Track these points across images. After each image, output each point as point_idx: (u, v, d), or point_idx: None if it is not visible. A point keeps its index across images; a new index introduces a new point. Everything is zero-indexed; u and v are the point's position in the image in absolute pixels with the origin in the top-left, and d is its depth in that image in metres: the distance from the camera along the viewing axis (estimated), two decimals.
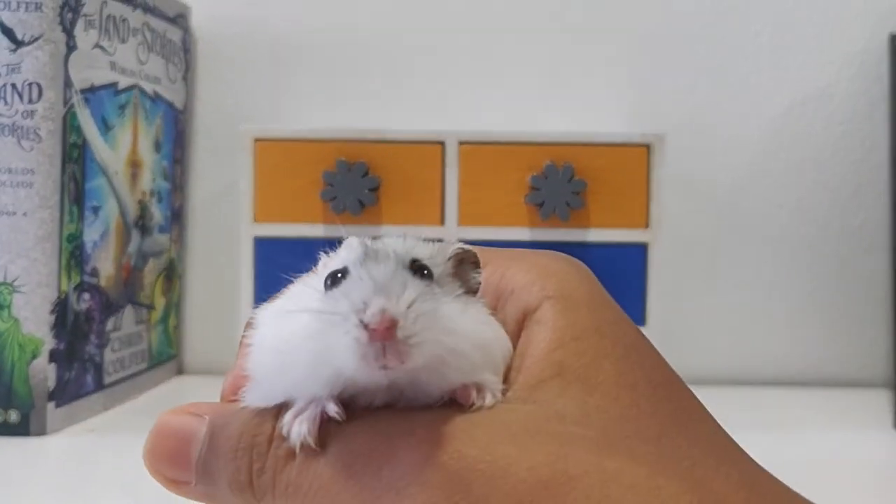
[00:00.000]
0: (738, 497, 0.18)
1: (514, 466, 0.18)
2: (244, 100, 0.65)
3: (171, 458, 0.22)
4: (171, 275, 0.63)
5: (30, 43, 0.47)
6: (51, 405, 0.48)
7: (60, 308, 0.48)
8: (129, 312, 0.57)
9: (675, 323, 0.61)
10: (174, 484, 0.22)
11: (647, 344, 0.22)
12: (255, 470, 0.20)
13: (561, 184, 0.49)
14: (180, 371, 0.66)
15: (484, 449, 0.18)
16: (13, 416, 0.47)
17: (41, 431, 0.48)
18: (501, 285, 0.22)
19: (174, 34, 0.61)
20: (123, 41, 0.54)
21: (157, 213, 0.60)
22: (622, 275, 0.50)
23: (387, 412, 0.20)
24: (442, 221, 0.50)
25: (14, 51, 0.46)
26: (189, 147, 0.66)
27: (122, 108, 0.54)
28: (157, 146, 0.60)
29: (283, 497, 0.20)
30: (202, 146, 0.66)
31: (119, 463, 0.44)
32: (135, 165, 0.56)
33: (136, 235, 0.57)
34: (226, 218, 0.66)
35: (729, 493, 0.18)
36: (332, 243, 0.49)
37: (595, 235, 0.50)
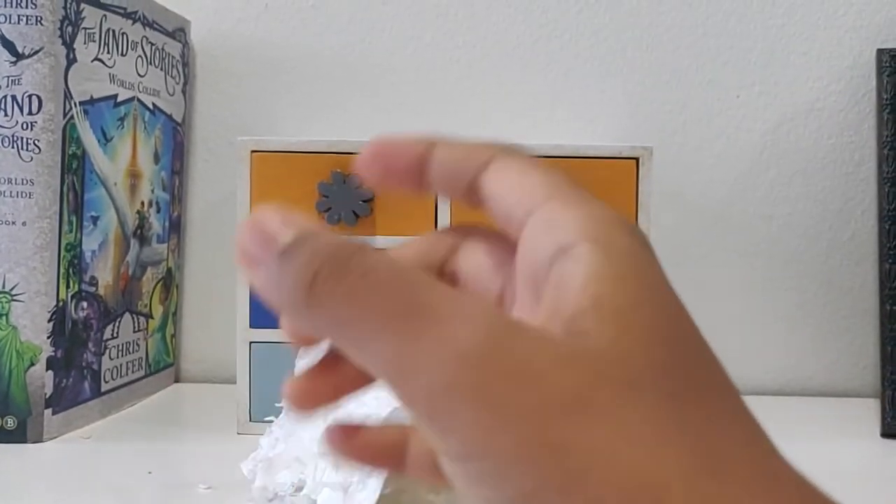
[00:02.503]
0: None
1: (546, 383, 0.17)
2: (241, 112, 0.66)
3: (262, 231, 0.21)
4: (169, 284, 0.64)
5: (30, 56, 0.48)
6: (48, 412, 0.49)
7: (58, 316, 0.49)
8: (126, 321, 0.57)
9: None
10: (250, 261, 0.20)
11: (686, 316, 0.21)
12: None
13: None
14: (177, 379, 0.66)
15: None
16: (10, 422, 0.48)
17: (38, 438, 0.48)
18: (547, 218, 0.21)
19: (173, 48, 0.62)
20: (123, 54, 0.55)
21: (156, 224, 0.61)
22: None
23: None
24: None
25: (14, 63, 0.47)
26: (187, 158, 0.66)
27: (122, 119, 0.55)
28: (156, 157, 0.61)
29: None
30: (200, 158, 0.67)
31: (115, 470, 0.44)
32: (134, 176, 0.57)
33: (134, 245, 0.58)
34: (223, 228, 0.66)
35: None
36: None
37: None
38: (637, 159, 0.51)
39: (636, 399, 0.18)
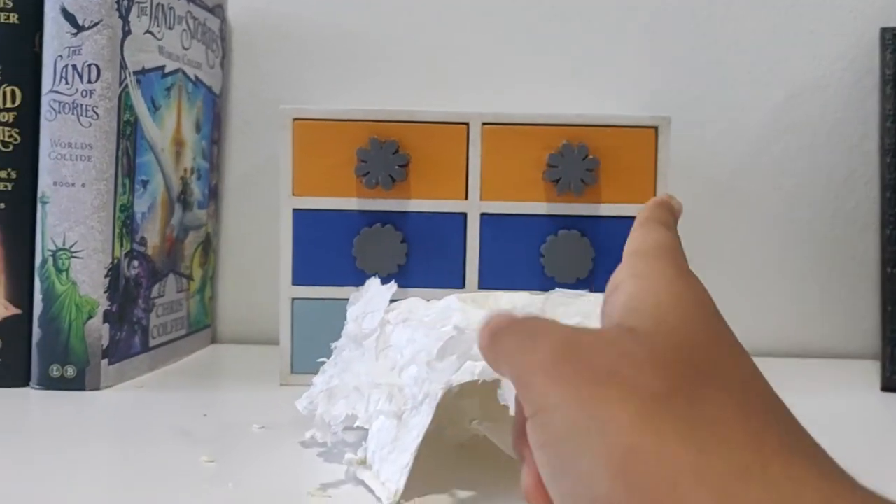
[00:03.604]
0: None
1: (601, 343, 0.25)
2: (274, 85, 0.70)
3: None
4: (208, 248, 0.67)
5: (90, 28, 0.51)
6: (104, 362, 0.52)
7: (114, 273, 0.53)
8: (171, 281, 0.61)
9: None
10: None
11: (709, 314, 0.28)
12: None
13: (576, 161, 0.53)
14: (214, 340, 0.70)
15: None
16: (70, 371, 0.52)
17: (95, 386, 0.52)
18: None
19: (213, 23, 0.65)
20: (170, 27, 0.58)
21: (197, 190, 0.64)
22: None
23: None
24: (465, 195, 0.54)
25: (75, 35, 0.51)
26: (224, 129, 0.70)
27: (169, 90, 0.58)
28: (198, 127, 0.64)
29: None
30: (236, 129, 0.70)
31: (171, 414, 0.48)
32: (178, 144, 0.61)
33: (178, 209, 0.61)
34: (257, 196, 0.70)
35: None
36: (365, 216, 0.54)
37: (606, 210, 0.54)
38: (656, 128, 0.54)
39: (650, 371, 0.23)
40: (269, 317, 0.69)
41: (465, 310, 0.37)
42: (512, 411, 0.32)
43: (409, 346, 0.37)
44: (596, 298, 0.38)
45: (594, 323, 0.35)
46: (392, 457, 0.35)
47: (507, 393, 0.32)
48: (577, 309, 0.36)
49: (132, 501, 0.34)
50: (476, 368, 0.34)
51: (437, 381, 0.34)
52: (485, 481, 0.37)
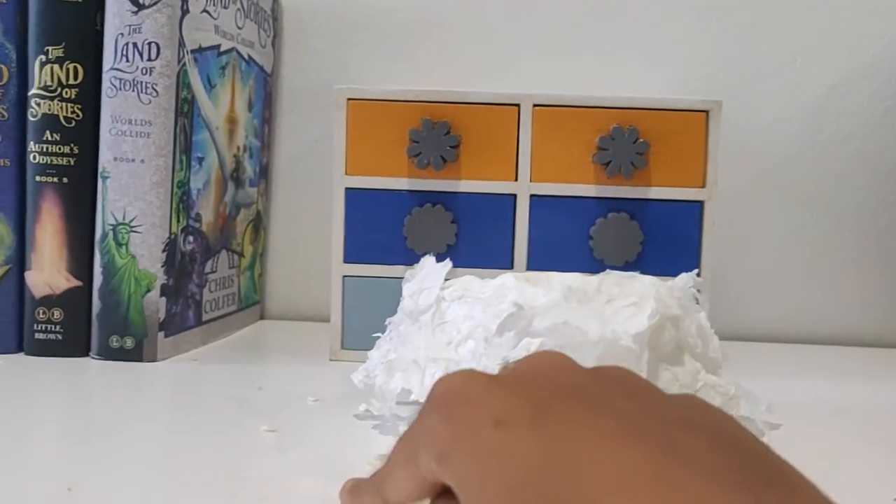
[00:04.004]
0: None
1: None
2: (323, 66, 0.70)
3: None
4: (258, 226, 0.69)
5: (150, 6, 0.52)
6: (161, 335, 0.54)
7: (170, 247, 0.54)
8: (223, 257, 0.62)
9: (725, 277, 0.66)
10: None
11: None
12: None
13: (626, 145, 0.53)
14: (262, 316, 0.71)
15: None
16: (129, 342, 0.53)
17: (153, 358, 0.53)
18: None
19: (265, 2, 0.66)
20: (225, 7, 0.59)
21: (249, 168, 0.65)
22: (679, 230, 0.54)
23: None
24: (515, 177, 0.54)
25: (136, 13, 0.52)
26: (275, 108, 0.71)
27: (223, 68, 0.59)
28: (250, 105, 0.65)
29: None
30: (286, 108, 0.71)
31: (227, 385, 0.49)
32: (232, 122, 0.62)
33: (231, 187, 0.62)
34: (307, 175, 0.71)
35: None
36: (416, 196, 0.55)
37: (656, 193, 0.54)
38: (707, 112, 0.54)
39: None
40: (316, 294, 0.70)
41: (521, 288, 0.38)
42: None
43: (466, 322, 0.38)
44: (650, 280, 0.39)
45: (648, 305, 0.36)
46: None
47: None
48: (631, 289, 0.37)
49: (198, 469, 0.35)
50: (532, 345, 0.34)
51: (493, 356, 0.35)
52: None
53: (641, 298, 0.36)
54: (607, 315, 0.34)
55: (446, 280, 0.41)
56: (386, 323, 0.43)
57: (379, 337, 0.43)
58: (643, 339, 0.33)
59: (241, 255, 0.65)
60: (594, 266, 0.53)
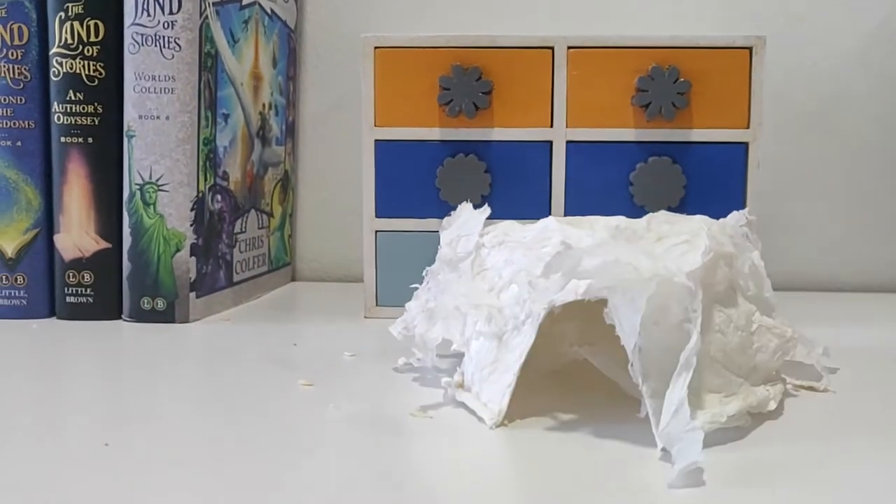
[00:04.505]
0: None
1: None
2: (348, 18, 0.68)
3: None
4: (287, 185, 0.67)
5: None
6: (192, 295, 0.53)
7: (199, 206, 0.53)
8: (252, 217, 0.61)
9: (769, 222, 0.64)
10: None
11: None
12: None
13: (666, 85, 0.51)
14: (293, 278, 0.70)
15: None
16: (160, 304, 0.52)
17: (185, 319, 0.52)
18: None
19: None
20: None
21: (275, 126, 0.64)
22: (724, 173, 0.52)
23: None
24: (551, 123, 0.52)
25: None
26: (299, 65, 0.69)
27: (246, 23, 0.58)
28: (274, 62, 0.63)
29: None
30: (310, 64, 0.69)
31: (262, 344, 0.48)
32: (256, 78, 0.60)
33: (257, 145, 0.61)
34: (334, 133, 0.69)
35: None
36: (448, 146, 0.53)
37: (698, 135, 0.52)
38: (750, 49, 0.52)
39: None
40: (348, 255, 0.69)
41: (565, 230, 0.36)
42: (618, 330, 0.32)
43: (508, 268, 0.36)
44: (701, 218, 0.37)
45: (701, 243, 0.34)
46: (493, 377, 0.35)
47: (616, 311, 0.31)
48: (682, 227, 0.35)
49: (237, 424, 0.34)
50: (580, 287, 0.33)
51: (539, 300, 0.34)
52: (585, 405, 0.36)
53: (694, 236, 0.34)
54: (658, 253, 0.33)
55: (485, 227, 0.40)
56: (423, 273, 0.42)
57: (417, 288, 0.42)
58: (697, 276, 0.32)
59: (270, 215, 0.64)
60: (635, 213, 0.51)
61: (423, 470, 0.30)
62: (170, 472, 0.29)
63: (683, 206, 0.52)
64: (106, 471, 0.29)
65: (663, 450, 0.30)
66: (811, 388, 0.39)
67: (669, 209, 0.52)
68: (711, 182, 0.52)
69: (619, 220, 0.37)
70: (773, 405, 0.35)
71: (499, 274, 0.37)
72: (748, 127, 0.52)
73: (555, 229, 0.37)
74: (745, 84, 0.52)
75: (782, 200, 0.67)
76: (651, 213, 0.37)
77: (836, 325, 0.53)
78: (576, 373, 0.40)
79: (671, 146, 0.52)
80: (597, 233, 0.35)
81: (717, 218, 0.39)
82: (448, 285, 0.38)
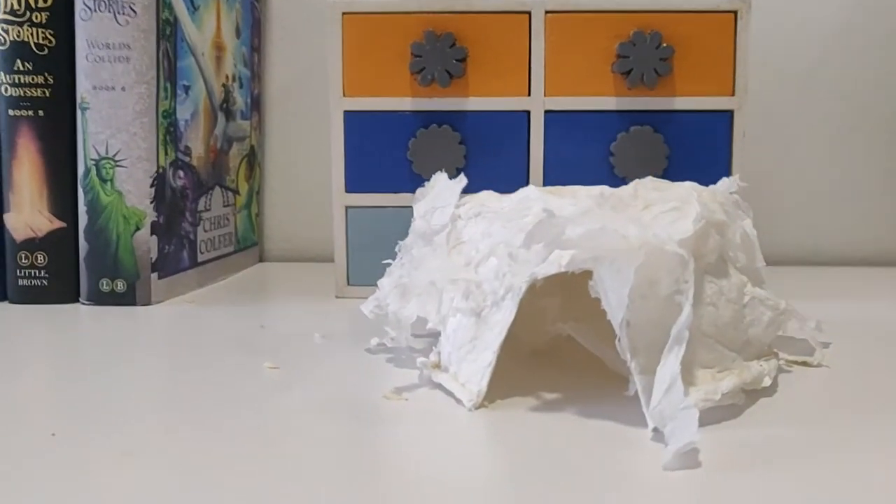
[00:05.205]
0: None
1: None
2: None
3: None
4: (253, 161, 0.64)
5: None
6: (154, 276, 0.50)
7: (159, 182, 0.50)
8: (217, 194, 0.58)
9: (756, 193, 0.62)
10: None
11: None
12: None
13: (649, 51, 0.49)
14: (261, 259, 0.68)
15: None
16: (120, 285, 0.49)
17: (146, 301, 0.50)
18: None
19: None
20: None
21: (239, 99, 0.61)
22: (708, 141, 0.50)
23: None
24: (528, 92, 0.50)
25: None
26: (264, 36, 0.66)
27: None
28: (238, 32, 0.60)
29: None
30: (276, 35, 0.66)
31: (228, 327, 0.45)
32: (219, 49, 0.57)
33: (221, 118, 0.58)
34: (301, 106, 0.67)
35: None
36: (421, 116, 0.50)
37: (681, 103, 0.50)
38: (735, 13, 0.49)
39: None
40: (317, 235, 0.66)
41: (546, 199, 0.34)
42: (604, 304, 0.29)
43: (486, 240, 0.34)
44: (690, 185, 0.35)
45: (692, 210, 0.32)
46: (471, 357, 0.32)
47: (602, 283, 0.29)
48: (670, 194, 0.33)
49: (200, 408, 0.32)
50: (563, 258, 0.30)
51: (520, 273, 0.31)
52: (570, 384, 0.34)
53: (683, 203, 0.32)
54: (647, 221, 0.31)
55: (461, 199, 0.38)
56: (396, 249, 0.40)
57: (390, 264, 0.40)
58: (689, 245, 0.30)
59: (236, 192, 0.61)
60: (616, 184, 0.49)
61: (399, 455, 0.28)
62: (125, 464, 0.26)
63: (666, 177, 0.49)
64: (55, 465, 0.26)
65: (655, 430, 0.28)
66: (805, 364, 0.37)
67: None
68: (695, 152, 0.50)
69: (604, 189, 0.35)
70: (767, 381, 0.33)
71: (476, 247, 0.34)
72: (733, 94, 0.50)
73: (535, 198, 0.34)
74: (729, 49, 0.50)
75: (768, 168, 0.65)
76: (638, 180, 0.35)
77: (821, 299, 0.52)
78: (560, 351, 0.38)
79: (653, 115, 0.50)
80: (580, 201, 0.33)
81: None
82: (422, 260, 0.36)
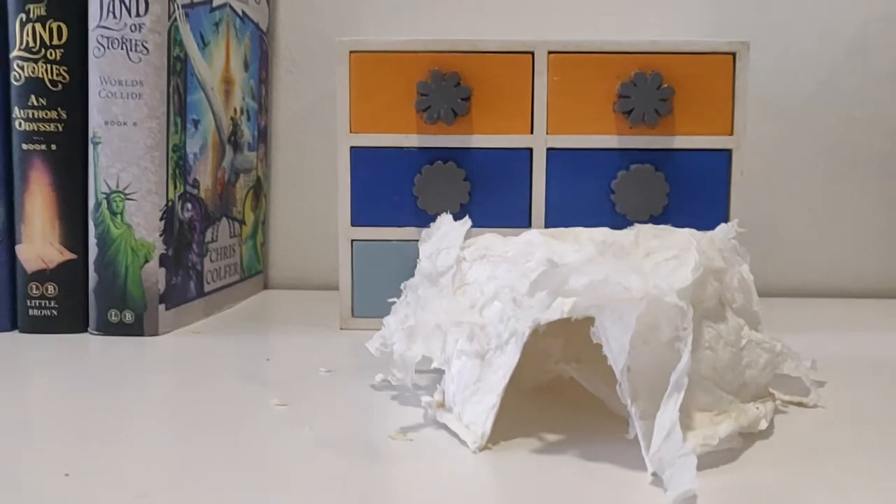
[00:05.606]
0: None
1: None
2: (322, 23, 0.67)
3: None
4: (259, 192, 0.65)
5: None
6: (161, 307, 0.51)
7: (168, 215, 0.51)
8: (224, 225, 0.59)
9: (754, 230, 0.63)
10: None
11: None
12: None
13: (649, 91, 0.50)
14: (266, 286, 0.68)
15: None
16: (128, 316, 0.50)
17: (154, 332, 0.50)
18: None
19: None
20: None
21: (247, 131, 0.62)
22: (707, 180, 0.51)
23: None
24: (531, 129, 0.51)
25: None
26: (272, 69, 0.67)
27: (217, 25, 0.56)
28: (246, 65, 0.62)
29: None
30: (284, 69, 0.68)
31: (234, 358, 0.46)
32: (227, 83, 0.58)
33: (229, 151, 0.59)
34: (308, 139, 0.68)
35: None
36: (426, 153, 0.52)
37: (681, 142, 0.51)
38: (734, 54, 0.51)
39: None
40: (321, 262, 0.67)
41: (549, 244, 0.35)
42: (605, 350, 0.30)
43: (490, 283, 0.35)
44: (689, 232, 0.36)
45: (691, 258, 0.33)
46: (475, 398, 0.33)
47: (604, 330, 0.30)
48: (670, 242, 0.34)
49: (209, 444, 0.33)
50: (566, 305, 0.31)
51: (523, 318, 0.32)
52: (572, 425, 0.35)
53: (683, 251, 0.33)
54: (647, 270, 0.31)
55: (465, 240, 0.39)
56: (402, 287, 0.41)
57: (395, 302, 0.40)
58: (687, 294, 0.31)
59: (242, 222, 0.62)
60: (617, 222, 0.50)
61: (404, 497, 0.28)
62: (134, 502, 0.27)
63: (666, 215, 0.51)
64: (65, 502, 0.27)
65: (654, 474, 0.29)
66: (800, 404, 0.38)
67: (652, 217, 0.51)
68: (695, 190, 0.51)
69: (606, 234, 0.36)
70: (764, 424, 0.34)
71: (481, 289, 0.35)
72: (732, 133, 0.51)
73: (539, 243, 0.35)
74: (728, 89, 0.51)
75: (767, 206, 0.66)
76: (639, 226, 0.36)
77: (820, 333, 0.52)
78: (561, 390, 0.38)
79: (654, 153, 0.51)
80: (583, 247, 0.34)
81: (700, 226, 0.38)
82: (428, 301, 0.37)
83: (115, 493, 0.28)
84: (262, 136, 0.66)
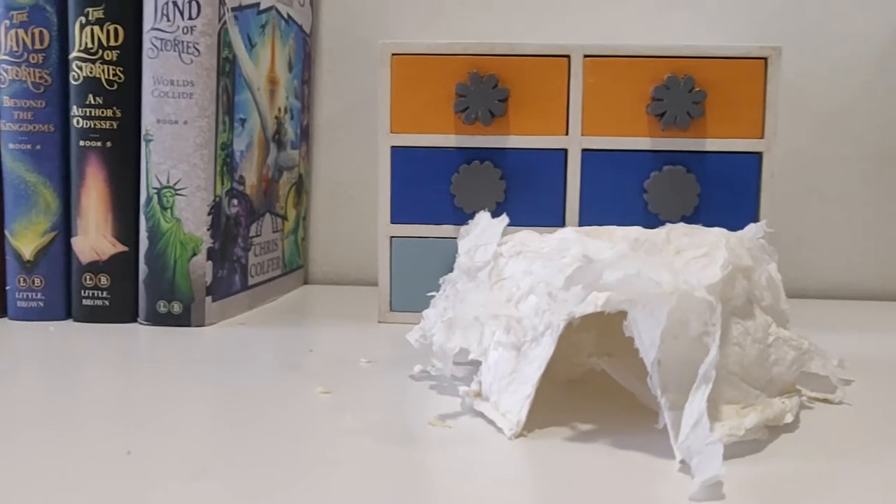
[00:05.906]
0: None
1: None
2: (363, 23, 0.69)
3: None
4: (301, 189, 0.68)
5: None
6: (208, 299, 0.53)
7: (216, 210, 0.53)
8: (267, 221, 0.61)
9: (783, 232, 0.64)
10: None
11: None
12: None
13: (682, 94, 0.51)
14: (306, 281, 0.71)
15: None
16: (176, 307, 0.52)
17: (200, 323, 0.53)
18: None
19: None
20: None
21: (290, 130, 0.64)
22: (737, 182, 0.52)
23: None
24: (566, 131, 0.53)
25: None
26: (314, 69, 0.69)
27: (263, 27, 0.58)
28: (290, 66, 0.64)
29: None
30: (325, 69, 0.70)
31: (278, 349, 0.48)
32: (273, 83, 0.60)
33: (273, 149, 0.61)
34: (347, 137, 0.70)
35: None
36: (464, 153, 0.53)
37: (712, 145, 0.52)
38: (766, 59, 0.52)
39: None
40: (359, 258, 0.69)
41: (584, 241, 0.36)
42: (637, 343, 0.32)
43: (526, 278, 0.37)
44: (720, 231, 0.37)
45: (720, 256, 0.34)
46: (511, 388, 0.35)
47: (636, 324, 0.31)
48: (701, 240, 0.35)
49: (257, 431, 0.34)
50: (599, 300, 0.33)
51: (558, 311, 0.34)
52: (603, 415, 0.36)
53: (713, 248, 0.34)
54: (678, 266, 0.33)
55: (502, 236, 0.40)
56: (440, 281, 0.42)
57: (433, 296, 0.42)
58: (716, 290, 0.32)
59: (284, 218, 0.64)
60: (649, 221, 0.52)
61: (443, 480, 0.30)
62: (189, 482, 0.29)
63: (697, 215, 0.52)
64: (124, 479, 0.29)
65: (682, 462, 0.30)
66: (826, 401, 0.39)
67: (683, 217, 0.52)
68: (725, 191, 0.52)
69: (638, 232, 0.38)
70: (789, 418, 0.35)
71: (517, 284, 0.37)
72: (762, 137, 0.52)
73: (573, 240, 0.37)
74: (759, 94, 0.52)
75: (797, 208, 0.67)
76: (670, 225, 0.37)
77: (849, 334, 0.53)
78: (593, 383, 0.40)
79: (686, 155, 0.52)
80: (616, 244, 0.35)
81: (730, 227, 0.39)
82: (466, 294, 0.38)
83: (176, 467, 0.30)
84: (305, 134, 0.68)
